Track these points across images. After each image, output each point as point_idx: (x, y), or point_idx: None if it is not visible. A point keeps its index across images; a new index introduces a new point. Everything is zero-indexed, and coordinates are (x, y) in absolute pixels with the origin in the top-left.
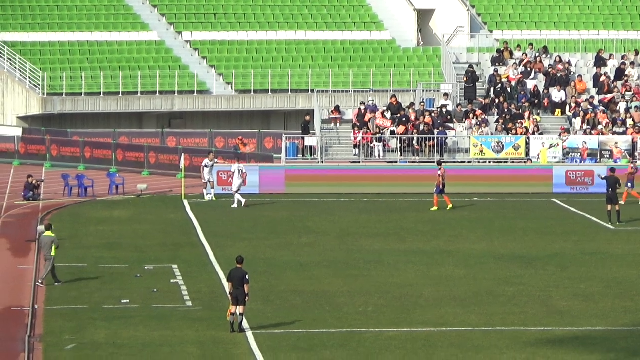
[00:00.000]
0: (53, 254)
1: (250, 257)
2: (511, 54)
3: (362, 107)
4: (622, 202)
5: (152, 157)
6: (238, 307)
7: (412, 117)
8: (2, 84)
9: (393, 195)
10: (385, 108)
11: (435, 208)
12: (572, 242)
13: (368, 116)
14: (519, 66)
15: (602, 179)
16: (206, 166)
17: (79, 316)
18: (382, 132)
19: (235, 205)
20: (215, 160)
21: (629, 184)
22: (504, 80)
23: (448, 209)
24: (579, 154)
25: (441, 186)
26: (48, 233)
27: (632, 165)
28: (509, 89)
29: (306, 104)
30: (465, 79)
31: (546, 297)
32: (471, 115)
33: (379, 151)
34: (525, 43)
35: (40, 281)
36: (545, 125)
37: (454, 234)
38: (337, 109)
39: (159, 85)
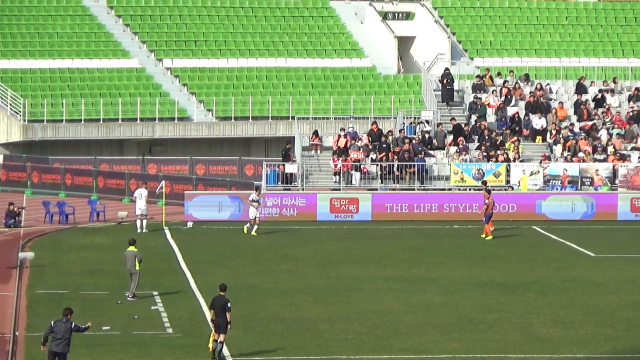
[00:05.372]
0: (137, 268)
1: (231, 284)
2: (491, 79)
3: (342, 133)
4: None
5: (132, 184)
6: (219, 334)
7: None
8: None
9: (375, 223)
10: (365, 135)
11: (489, 237)
12: (552, 269)
13: (348, 143)
14: (500, 94)
15: None
16: (254, 201)
17: None
18: (359, 161)
19: (139, 230)
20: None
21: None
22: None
23: (484, 237)
24: (560, 182)
25: (490, 214)
26: (132, 248)
27: (486, 202)
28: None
29: (287, 131)
30: (446, 80)
31: (526, 324)
32: (452, 142)
33: (356, 179)
34: (506, 70)
35: (130, 296)
36: (526, 152)
37: (435, 261)
38: (315, 133)
39: (139, 112)
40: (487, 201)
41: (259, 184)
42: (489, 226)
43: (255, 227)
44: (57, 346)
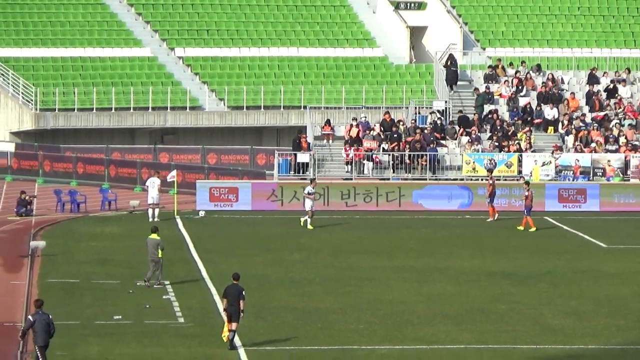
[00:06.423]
0: (160, 255)
1: (242, 273)
2: (503, 70)
3: (354, 123)
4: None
5: (144, 173)
6: (232, 323)
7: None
8: None
9: (385, 212)
10: (378, 125)
11: (533, 229)
12: (564, 260)
13: (360, 133)
14: (511, 84)
15: None
16: (309, 193)
17: (71, 332)
18: (372, 150)
19: (151, 219)
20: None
21: (488, 200)
22: (496, 97)
23: (523, 229)
24: (572, 172)
25: (530, 206)
26: (154, 236)
27: (490, 183)
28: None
29: (298, 121)
30: (449, 63)
31: (538, 315)
32: (463, 132)
33: (368, 169)
34: (518, 60)
35: (152, 283)
36: (538, 142)
37: (446, 251)
38: (327, 123)
39: (151, 101)
40: (527, 193)
41: (314, 176)
42: (529, 218)
43: (310, 219)
44: (43, 340)
